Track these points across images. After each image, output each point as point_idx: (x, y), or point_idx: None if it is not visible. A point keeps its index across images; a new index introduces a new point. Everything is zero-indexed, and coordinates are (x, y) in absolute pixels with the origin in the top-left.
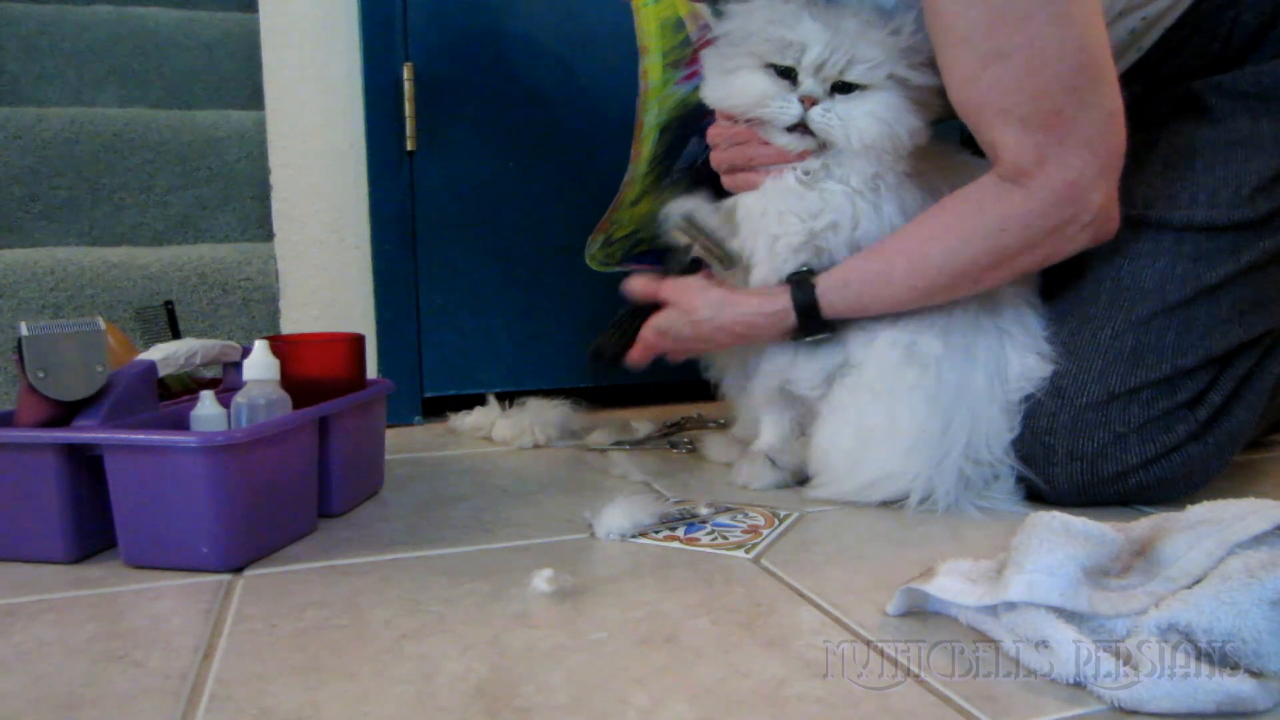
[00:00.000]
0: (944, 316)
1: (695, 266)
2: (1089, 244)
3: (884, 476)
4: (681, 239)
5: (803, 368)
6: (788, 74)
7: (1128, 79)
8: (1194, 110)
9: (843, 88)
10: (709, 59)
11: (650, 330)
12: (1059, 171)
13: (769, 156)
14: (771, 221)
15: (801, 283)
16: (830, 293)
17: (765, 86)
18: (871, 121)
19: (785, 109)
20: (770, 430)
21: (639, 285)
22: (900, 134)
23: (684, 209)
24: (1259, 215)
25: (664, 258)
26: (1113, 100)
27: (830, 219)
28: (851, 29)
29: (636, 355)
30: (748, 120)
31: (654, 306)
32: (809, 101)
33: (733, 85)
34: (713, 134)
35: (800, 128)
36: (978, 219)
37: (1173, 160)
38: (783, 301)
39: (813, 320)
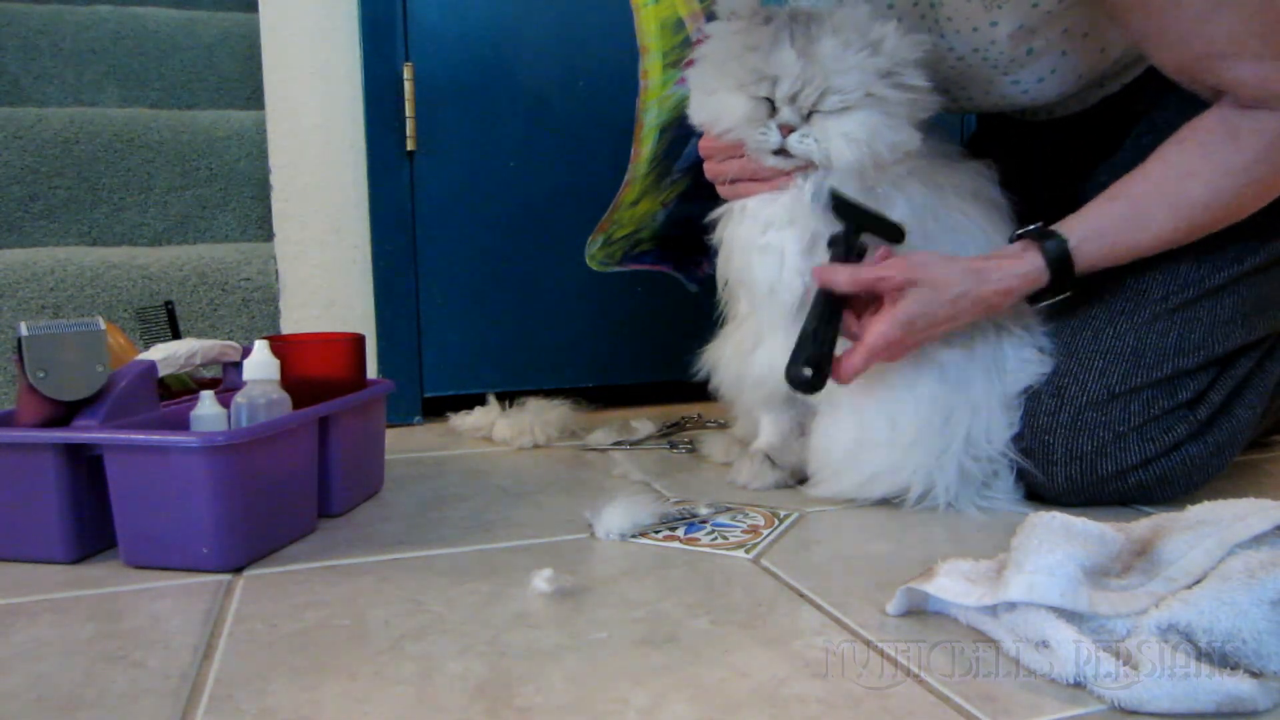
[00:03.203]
0: None
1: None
2: None
3: (884, 471)
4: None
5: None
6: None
7: (1140, 84)
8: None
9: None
10: (693, 78)
11: (895, 326)
12: None
13: (772, 170)
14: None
15: (1050, 236)
16: (1085, 244)
17: (745, 110)
18: (847, 144)
19: (766, 136)
20: (769, 429)
21: (844, 276)
22: (880, 150)
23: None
24: (1264, 218)
25: (839, 248)
26: None
27: (839, 227)
28: (828, 54)
29: (862, 363)
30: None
31: (836, 310)
32: (786, 129)
33: (715, 107)
34: (705, 146)
35: (784, 151)
36: (1234, 148)
37: None
38: (1032, 259)
39: (1066, 278)
